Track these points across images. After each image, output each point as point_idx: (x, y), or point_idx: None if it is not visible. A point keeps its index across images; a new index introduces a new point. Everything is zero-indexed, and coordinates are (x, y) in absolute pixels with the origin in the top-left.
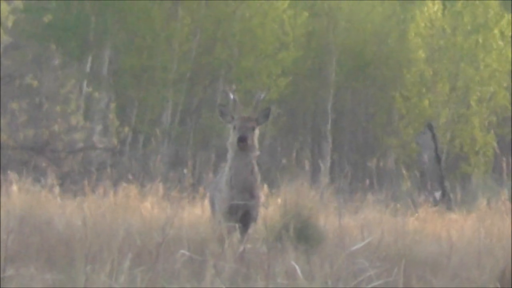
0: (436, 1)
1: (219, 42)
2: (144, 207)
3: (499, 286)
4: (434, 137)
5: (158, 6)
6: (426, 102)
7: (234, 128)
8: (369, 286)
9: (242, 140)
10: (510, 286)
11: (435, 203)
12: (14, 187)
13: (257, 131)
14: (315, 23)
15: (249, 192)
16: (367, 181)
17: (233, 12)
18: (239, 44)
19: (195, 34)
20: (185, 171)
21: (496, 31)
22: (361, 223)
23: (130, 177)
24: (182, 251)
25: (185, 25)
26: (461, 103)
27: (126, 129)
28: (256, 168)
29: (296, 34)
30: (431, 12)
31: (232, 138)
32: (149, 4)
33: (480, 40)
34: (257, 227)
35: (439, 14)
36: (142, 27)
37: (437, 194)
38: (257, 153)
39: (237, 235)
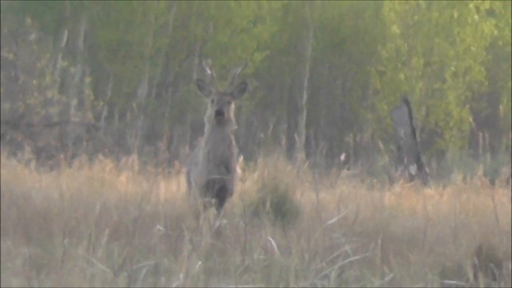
0: None
1: (194, 17)
2: (119, 181)
3: (475, 261)
4: (410, 111)
5: None
6: (401, 77)
7: (212, 102)
8: (346, 261)
9: (219, 114)
10: (487, 261)
11: (411, 178)
12: None
13: (233, 105)
14: None
15: (226, 166)
16: (343, 156)
17: None
18: (214, 19)
19: (171, 8)
20: (160, 145)
21: (471, 5)
22: (338, 198)
23: (105, 151)
24: (158, 226)
25: None
26: (436, 78)
27: (102, 103)
28: (233, 142)
29: (271, 8)
30: None
31: (209, 112)
32: None
33: (455, 15)
34: (234, 202)
35: None
36: (118, 1)
37: (412, 168)
38: (234, 127)
39: (213, 210)
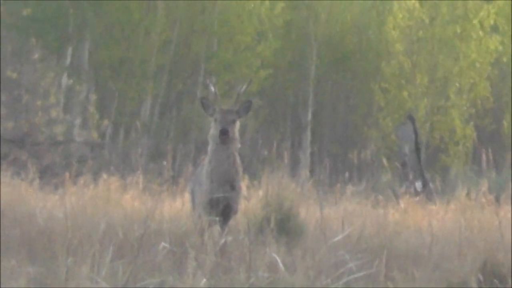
0: None
1: (197, 34)
2: (125, 199)
3: (480, 277)
4: (414, 128)
5: None
6: (405, 94)
7: (215, 120)
8: (351, 277)
9: (224, 133)
10: (491, 277)
11: (416, 193)
12: None
13: (238, 124)
14: (295, 15)
15: (230, 184)
16: (348, 173)
17: (211, 5)
18: (217, 36)
19: (173, 26)
20: (164, 163)
21: (475, 21)
22: (342, 215)
23: (110, 169)
24: (163, 243)
25: (163, 16)
26: (440, 95)
27: (106, 121)
28: (238, 160)
29: (273, 25)
30: (409, 3)
31: (213, 131)
32: None
33: (458, 31)
34: (239, 220)
35: (417, 5)
36: (121, 19)
37: (418, 185)
38: (238, 145)
39: (217, 227)
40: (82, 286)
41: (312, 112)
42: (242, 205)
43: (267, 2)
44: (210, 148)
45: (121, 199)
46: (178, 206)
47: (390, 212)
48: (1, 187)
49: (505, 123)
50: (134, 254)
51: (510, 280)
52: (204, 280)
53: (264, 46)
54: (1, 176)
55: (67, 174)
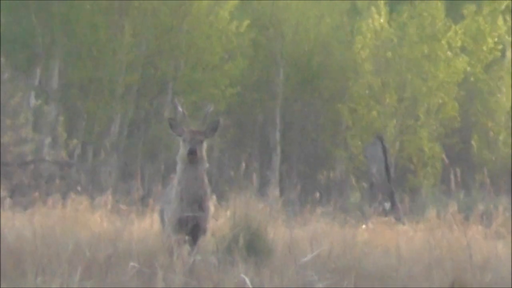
0: (382, 13)
1: (164, 54)
2: (93, 219)
3: None
4: (384, 148)
5: (103, 16)
6: (374, 114)
7: (184, 141)
8: None
9: (192, 153)
10: None
11: (385, 214)
12: None
13: (205, 144)
14: (262, 34)
15: (199, 204)
16: (317, 193)
17: (179, 25)
18: (185, 56)
19: (140, 45)
20: (132, 183)
21: (443, 41)
22: (311, 235)
23: (79, 189)
24: (132, 263)
25: (130, 35)
26: (409, 114)
27: (75, 141)
28: (206, 181)
29: (240, 43)
30: (377, 23)
31: (181, 151)
32: (95, 14)
33: (426, 51)
34: (207, 239)
35: (385, 25)
36: (88, 39)
37: (387, 205)
38: (207, 165)
39: (186, 247)
40: None
41: (280, 132)
42: (210, 224)
43: (234, 21)
44: (178, 168)
45: (90, 219)
46: (147, 226)
47: (358, 232)
48: None
49: (473, 143)
50: (102, 274)
51: None
52: None
53: (231, 65)
54: None
55: (36, 193)
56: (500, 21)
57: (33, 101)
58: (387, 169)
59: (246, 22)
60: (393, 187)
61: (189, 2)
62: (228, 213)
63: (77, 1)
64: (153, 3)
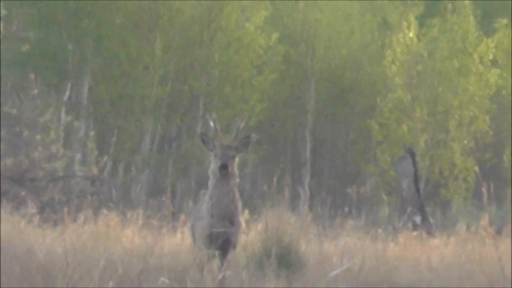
0: (412, 27)
1: (194, 69)
2: (125, 235)
3: None
4: (414, 162)
5: (133, 32)
6: (405, 128)
7: (215, 156)
8: None
9: (224, 168)
10: None
11: (415, 228)
12: None
13: (237, 159)
14: (293, 49)
15: (230, 219)
16: (347, 208)
17: (209, 39)
18: (215, 71)
19: (171, 61)
20: (163, 199)
21: (475, 55)
22: (341, 249)
23: (110, 205)
24: (162, 278)
25: (161, 51)
26: (440, 128)
27: (105, 157)
28: (237, 195)
29: (269, 58)
30: (407, 38)
31: (213, 166)
32: (125, 30)
33: (457, 65)
34: (237, 254)
35: (415, 40)
36: (119, 55)
37: (417, 219)
38: (237, 180)
39: (216, 262)
40: None
41: (310, 148)
42: (241, 239)
43: (263, 34)
44: (210, 183)
45: (121, 235)
46: (178, 242)
47: (389, 246)
48: (1, 223)
49: (505, 158)
50: None
51: None
52: None
53: (260, 79)
54: (1, 213)
55: (66, 210)
56: None
57: (63, 117)
58: (415, 182)
59: (275, 36)
60: (423, 201)
61: (218, 17)
62: (259, 227)
63: (108, 16)
64: (183, 18)
